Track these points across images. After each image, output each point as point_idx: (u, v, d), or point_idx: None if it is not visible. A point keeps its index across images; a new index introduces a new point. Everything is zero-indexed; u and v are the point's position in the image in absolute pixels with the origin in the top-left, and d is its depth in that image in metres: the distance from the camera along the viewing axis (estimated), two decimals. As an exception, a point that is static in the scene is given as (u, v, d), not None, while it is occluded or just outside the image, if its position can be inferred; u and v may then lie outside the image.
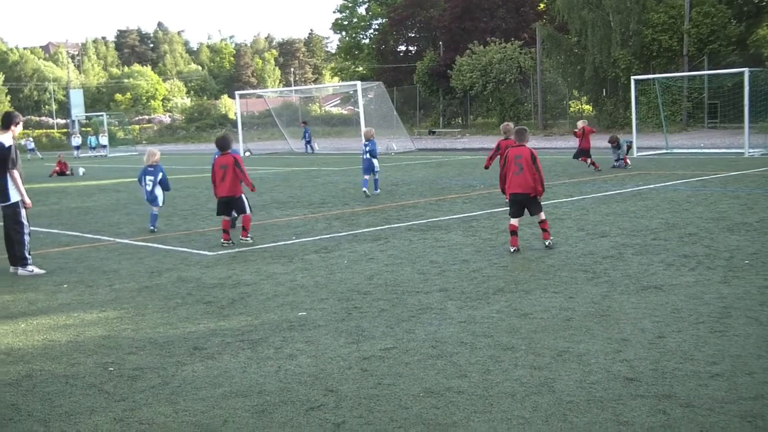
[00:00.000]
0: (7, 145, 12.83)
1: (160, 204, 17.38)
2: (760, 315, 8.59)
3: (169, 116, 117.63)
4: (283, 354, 7.92)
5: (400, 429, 5.95)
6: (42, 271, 13.02)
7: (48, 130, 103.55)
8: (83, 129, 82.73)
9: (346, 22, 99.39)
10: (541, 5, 77.89)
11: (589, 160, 27.69)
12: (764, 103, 36.71)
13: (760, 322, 8.33)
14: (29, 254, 13.09)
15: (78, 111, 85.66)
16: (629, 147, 30.67)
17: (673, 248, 12.64)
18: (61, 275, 12.74)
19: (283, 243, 14.91)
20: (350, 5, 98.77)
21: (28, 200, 13.09)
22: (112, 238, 16.40)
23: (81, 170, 32.68)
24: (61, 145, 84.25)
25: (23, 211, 13.03)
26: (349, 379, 7.08)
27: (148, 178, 17.20)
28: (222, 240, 14.92)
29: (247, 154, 49.21)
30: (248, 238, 15.04)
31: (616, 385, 6.62)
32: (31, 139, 76.26)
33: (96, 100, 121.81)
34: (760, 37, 57.21)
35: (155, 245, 15.28)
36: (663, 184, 21.58)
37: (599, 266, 11.52)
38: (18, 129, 13.23)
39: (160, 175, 17.13)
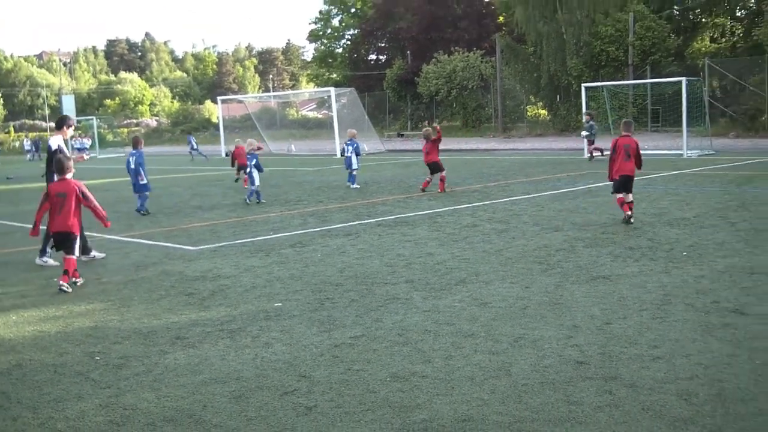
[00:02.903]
0: (53, 147, 13.07)
1: (257, 183, 21.10)
2: (696, 302, 8.65)
3: (156, 120, 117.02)
4: (259, 342, 7.88)
5: (368, 411, 5.93)
6: (55, 263, 12.94)
7: (41, 133, 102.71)
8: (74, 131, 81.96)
9: (321, 33, 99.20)
10: (501, 18, 78.06)
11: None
12: (700, 109, 37.02)
13: (696, 308, 8.39)
14: (50, 248, 13.10)
15: (70, 115, 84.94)
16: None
17: (620, 241, 12.70)
18: (51, 269, 12.62)
19: (261, 238, 14.84)
20: (325, 17, 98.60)
21: None
22: (100, 234, 16.24)
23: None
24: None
25: None
26: (321, 366, 7.05)
27: (248, 163, 21.28)
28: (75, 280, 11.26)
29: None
30: (73, 282, 11.13)
31: (568, 369, 6.63)
32: (28, 140, 75.51)
33: (86, 105, 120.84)
34: (696, 49, 57.67)
35: (140, 240, 15.18)
36: (610, 183, 21.60)
37: (553, 258, 11.54)
38: (70, 131, 13.60)
39: (254, 161, 21.02)
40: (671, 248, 11.87)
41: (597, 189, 20.27)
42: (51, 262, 13.06)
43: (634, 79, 50.40)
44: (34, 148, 68.98)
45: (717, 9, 58.93)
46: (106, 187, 28.27)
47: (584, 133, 33.39)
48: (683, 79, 32.74)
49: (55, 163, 11.82)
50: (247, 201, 21.23)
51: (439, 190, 21.67)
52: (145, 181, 19.64)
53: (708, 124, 37.81)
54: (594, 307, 8.61)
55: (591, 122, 33.58)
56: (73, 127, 13.98)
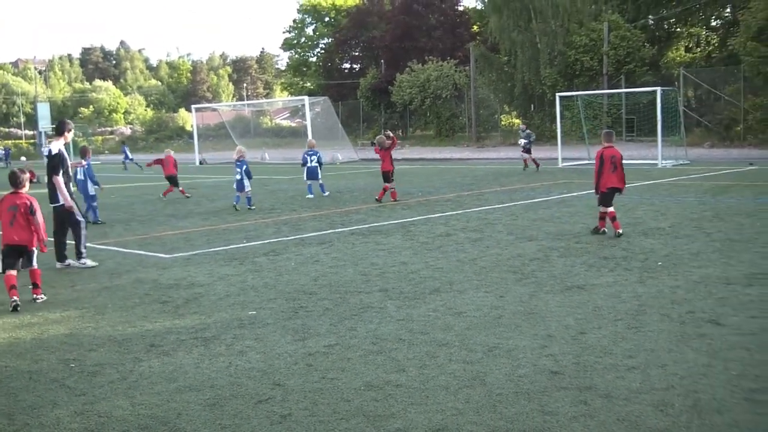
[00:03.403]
0: (54, 152, 13.21)
1: (248, 188, 21.54)
2: (671, 312, 8.69)
3: (130, 128, 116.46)
4: (233, 350, 7.85)
5: (342, 420, 5.92)
6: (95, 264, 13.22)
7: (16, 141, 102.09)
8: (48, 140, 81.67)
9: (295, 42, 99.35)
10: (475, 27, 78.37)
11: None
12: (674, 118, 37.20)
13: (671, 318, 8.42)
14: (85, 248, 13.39)
15: (45, 123, 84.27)
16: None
17: (594, 251, 12.75)
18: (25, 276, 12.49)
19: (234, 246, 14.79)
20: (299, 26, 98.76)
21: (69, 203, 13.31)
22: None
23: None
24: (29, 154, 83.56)
25: (77, 210, 13.39)
26: (296, 374, 7.03)
27: (236, 169, 21.74)
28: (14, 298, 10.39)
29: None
30: (43, 296, 10.90)
31: (542, 378, 6.65)
32: (1, 148, 75.03)
33: (61, 112, 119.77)
34: (671, 59, 58.13)
35: (115, 248, 15.10)
36: (585, 192, 21.76)
37: (527, 268, 11.57)
38: (70, 135, 13.73)
39: (244, 167, 21.64)
40: (646, 258, 11.92)
41: (571, 199, 20.36)
42: (90, 263, 13.28)
43: (609, 89, 50.67)
44: (4, 156, 68.57)
45: (692, 19, 59.45)
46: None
47: (522, 141, 33.16)
48: (658, 88, 32.89)
49: (9, 176, 11.31)
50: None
51: (391, 197, 21.98)
52: (92, 193, 19.73)
53: (683, 133, 38.06)
54: (569, 317, 8.64)
55: (528, 131, 33.69)
56: (72, 132, 14.08)
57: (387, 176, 21.89)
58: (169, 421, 6.05)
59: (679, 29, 61.68)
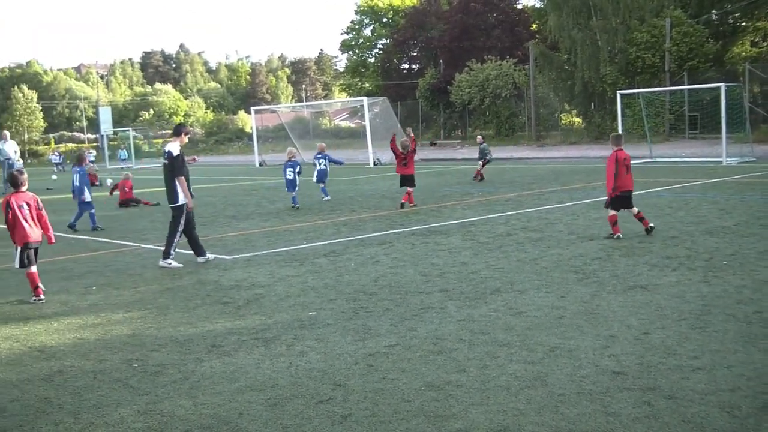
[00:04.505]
0: (175, 153, 13.45)
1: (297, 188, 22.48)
2: (737, 312, 8.56)
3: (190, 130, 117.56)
4: (294, 351, 7.90)
5: (403, 420, 5.93)
6: (179, 265, 13.44)
7: (79, 145, 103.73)
8: (111, 143, 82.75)
9: (353, 43, 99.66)
10: (534, 25, 77.95)
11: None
12: (740, 115, 36.57)
13: (737, 318, 8.30)
14: (174, 251, 13.61)
15: (107, 127, 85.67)
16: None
17: (657, 250, 12.60)
18: (90, 278, 12.74)
19: (294, 247, 14.88)
20: (357, 27, 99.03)
21: (191, 203, 13.66)
22: (137, 244, 16.40)
23: (109, 181, 32.72)
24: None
25: (185, 214, 13.58)
26: (356, 374, 7.06)
27: (288, 170, 22.57)
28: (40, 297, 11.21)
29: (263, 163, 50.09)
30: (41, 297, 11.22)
31: (604, 379, 6.59)
32: (57, 153, 76.34)
33: (123, 116, 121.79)
34: (735, 54, 57.14)
35: (177, 250, 15.24)
36: (647, 191, 21.51)
37: (589, 267, 11.48)
38: (186, 138, 13.92)
39: (297, 167, 22.54)
40: (710, 257, 11.76)
41: (633, 198, 20.12)
42: (175, 264, 13.49)
43: (671, 86, 50.01)
44: (60, 161, 69.72)
45: (758, 12, 58.25)
46: (142, 197, 28.42)
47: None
48: (722, 85, 32.35)
49: (8, 177, 11.94)
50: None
51: (409, 202, 21.12)
52: (89, 200, 19.52)
53: (749, 130, 37.33)
54: (631, 317, 8.55)
55: (484, 143, 31.63)
56: (189, 135, 14.40)
57: (412, 180, 21.37)
58: (230, 420, 6.11)
59: (744, 23, 60.55)
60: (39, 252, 11.62)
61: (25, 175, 11.71)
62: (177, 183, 13.43)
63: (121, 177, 27.94)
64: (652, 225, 14.27)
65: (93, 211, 19.79)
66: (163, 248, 13.73)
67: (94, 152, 76.18)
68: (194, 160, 14.46)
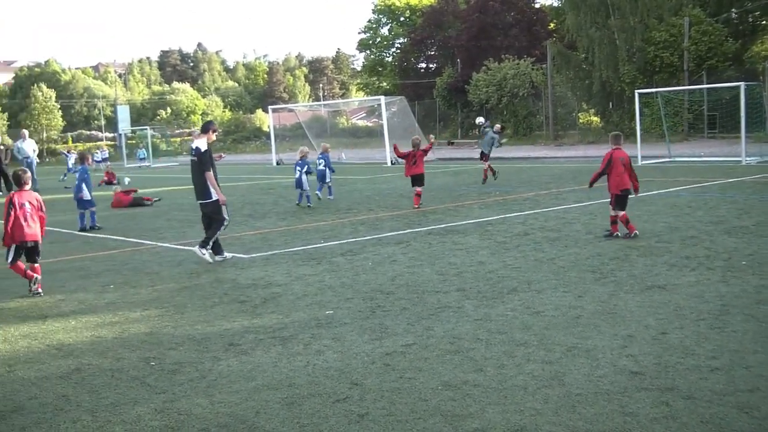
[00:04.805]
0: (203, 149, 13.56)
1: (306, 187, 22.58)
2: (756, 312, 8.52)
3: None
4: (311, 350, 7.92)
5: (420, 420, 5.93)
6: (211, 260, 13.56)
7: (97, 143, 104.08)
8: (128, 142, 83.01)
9: (370, 42, 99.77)
10: (552, 24, 77.80)
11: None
12: (759, 114, 36.37)
13: (756, 318, 8.26)
14: (211, 242, 13.73)
15: (124, 125, 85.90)
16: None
17: (676, 250, 12.55)
18: (107, 276, 12.79)
19: (312, 246, 14.90)
20: (374, 26, 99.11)
21: (222, 197, 13.75)
22: (154, 243, 16.45)
23: (126, 180, 32.87)
24: (111, 157, 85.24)
25: (224, 207, 13.75)
26: (373, 373, 7.06)
27: (297, 168, 22.81)
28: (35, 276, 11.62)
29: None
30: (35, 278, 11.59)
31: (622, 379, 6.57)
32: (105, 149, 76.68)
33: (141, 115, 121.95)
34: (755, 53, 56.82)
35: (194, 249, 15.29)
36: (666, 191, 21.44)
37: (606, 267, 11.45)
38: (214, 136, 14.09)
39: (306, 167, 22.77)
40: (729, 257, 11.70)
41: (651, 197, 20.07)
42: (208, 257, 13.65)
43: (690, 85, 49.79)
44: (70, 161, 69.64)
45: (779, 11, 58.03)
46: (160, 195, 28.54)
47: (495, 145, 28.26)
48: (742, 83, 32.19)
49: (12, 175, 12.31)
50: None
51: (414, 204, 20.81)
52: (88, 197, 19.26)
53: (768, 129, 37.19)
54: (649, 317, 8.52)
55: (487, 126, 28.88)
56: (216, 132, 14.49)
57: (421, 179, 21.01)
58: (247, 419, 6.13)
59: (764, 22, 60.22)
60: (41, 252, 11.91)
61: (29, 174, 11.97)
62: (206, 179, 13.50)
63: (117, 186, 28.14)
64: (618, 234, 14.16)
65: (94, 209, 19.69)
66: (202, 238, 13.83)
67: (108, 151, 76.33)
68: (221, 157, 14.51)
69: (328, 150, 25.34)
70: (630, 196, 14.41)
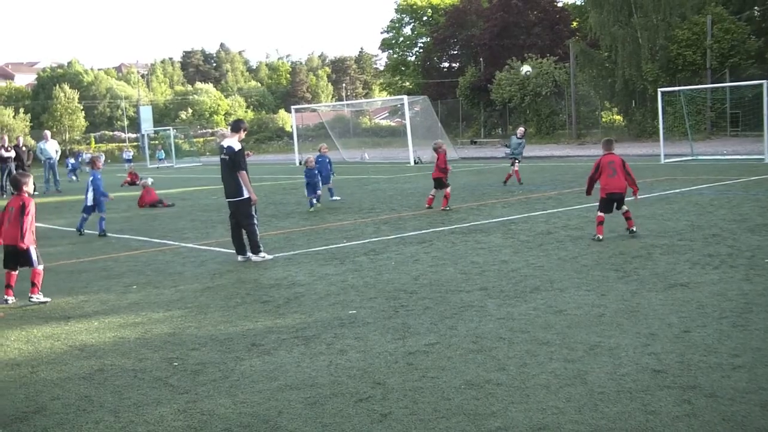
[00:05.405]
0: (236, 148, 13.66)
1: (319, 191, 22.26)
2: (780, 311, 8.47)
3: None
4: (334, 349, 7.93)
5: (443, 419, 5.93)
6: (271, 257, 13.77)
7: (120, 144, 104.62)
8: (151, 142, 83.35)
9: (393, 41, 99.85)
10: (574, 23, 77.62)
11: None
12: (783, 112, 36.14)
13: (780, 317, 8.21)
14: (260, 242, 13.89)
15: (147, 126, 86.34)
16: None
17: (698, 248, 12.49)
18: (130, 277, 12.86)
19: (334, 246, 14.92)
20: (397, 26, 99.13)
21: (254, 196, 13.80)
22: (177, 243, 16.52)
23: (150, 180, 33.04)
24: (135, 157, 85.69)
25: (253, 206, 13.77)
26: (396, 373, 7.06)
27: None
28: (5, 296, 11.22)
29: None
30: (39, 295, 11.19)
31: (645, 377, 6.55)
32: (129, 150, 77.18)
33: (163, 115, 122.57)
34: (779, 51, 56.54)
35: (217, 249, 15.36)
36: (688, 189, 21.34)
37: (629, 265, 11.41)
38: (243, 134, 14.22)
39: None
40: (753, 255, 11.63)
41: (674, 195, 19.98)
42: (267, 256, 13.85)
43: (713, 83, 49.52)
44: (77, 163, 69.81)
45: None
46: (183, 196, 28.67)
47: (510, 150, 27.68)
48: (764, 81, 31.97)
49: (10, 180, 12.37)
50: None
51: (427, 203, 20.71)
52: (90, 203, 18.66)
53: (792, 127, 36.87)
54: (672, 315, 8.49)
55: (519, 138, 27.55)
56: (247, 130, 14.64)
57: (442, 181, 20.67)
58: (270, 419, 6.14)
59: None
60: (23, 260, 11.17)
61: (26, 179, 11.60)
62: (239, 177, 13.54)
63: (142, 184, 27.97)
64: (634, 229, 14.19)
65: (103, 215, 18.96)
66: (249, 246, 13.83)
67: (132, 152, 76.89)
68: (248, 155, 14.56)
69: (326, 151, 24.80)
70: (629, 199, 14.34)
